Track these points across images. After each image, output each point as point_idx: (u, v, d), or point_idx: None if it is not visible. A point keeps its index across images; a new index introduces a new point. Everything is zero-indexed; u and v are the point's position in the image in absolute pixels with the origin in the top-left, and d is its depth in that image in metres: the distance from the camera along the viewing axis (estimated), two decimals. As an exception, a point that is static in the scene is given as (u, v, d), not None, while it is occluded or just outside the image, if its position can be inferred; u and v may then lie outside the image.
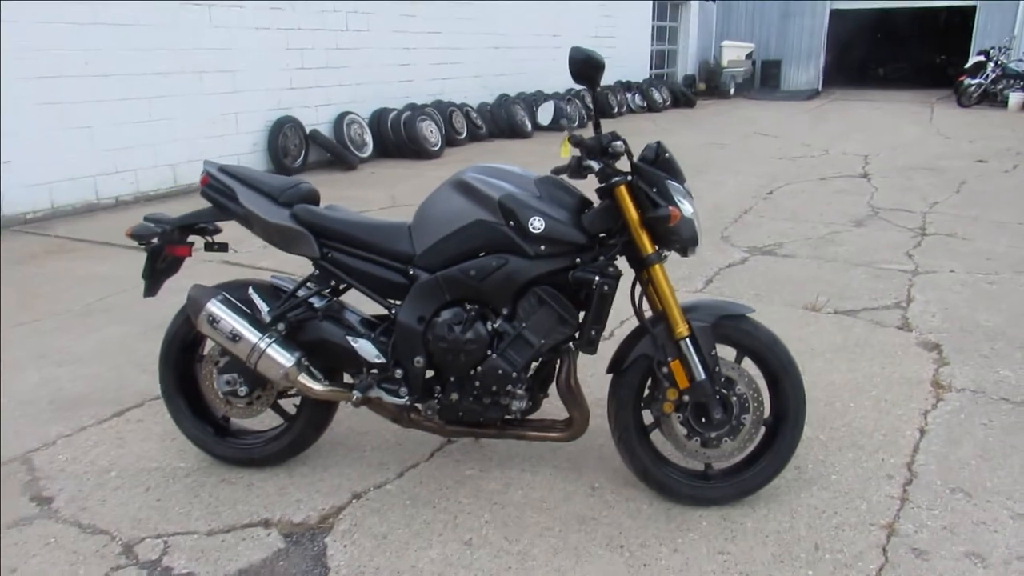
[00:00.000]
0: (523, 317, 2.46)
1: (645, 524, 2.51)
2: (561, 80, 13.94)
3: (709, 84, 20.23)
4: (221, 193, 2.64)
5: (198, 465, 2.85)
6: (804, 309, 4.42)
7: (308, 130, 9.18)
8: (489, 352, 2.48)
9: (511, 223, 2.41)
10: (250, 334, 2.54)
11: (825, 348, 3.87)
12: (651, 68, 18.82)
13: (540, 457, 2.88)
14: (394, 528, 2.49)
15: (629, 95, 16.17)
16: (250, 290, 2.63)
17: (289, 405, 2.80)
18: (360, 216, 2.67)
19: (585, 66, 2.27)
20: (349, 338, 2.56)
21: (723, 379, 2.50)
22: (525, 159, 9.44)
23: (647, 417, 2.60)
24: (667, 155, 2.46)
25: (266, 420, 2.87)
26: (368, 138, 9.96)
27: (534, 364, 2.58)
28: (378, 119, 10.09)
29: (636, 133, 12.73)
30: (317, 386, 2.57)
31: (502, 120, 12.01)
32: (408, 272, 2.54)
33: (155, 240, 2.68)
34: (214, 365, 2.72)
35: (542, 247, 2.41)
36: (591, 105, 2.68)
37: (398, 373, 2.56)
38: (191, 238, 2.79)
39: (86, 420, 3.21)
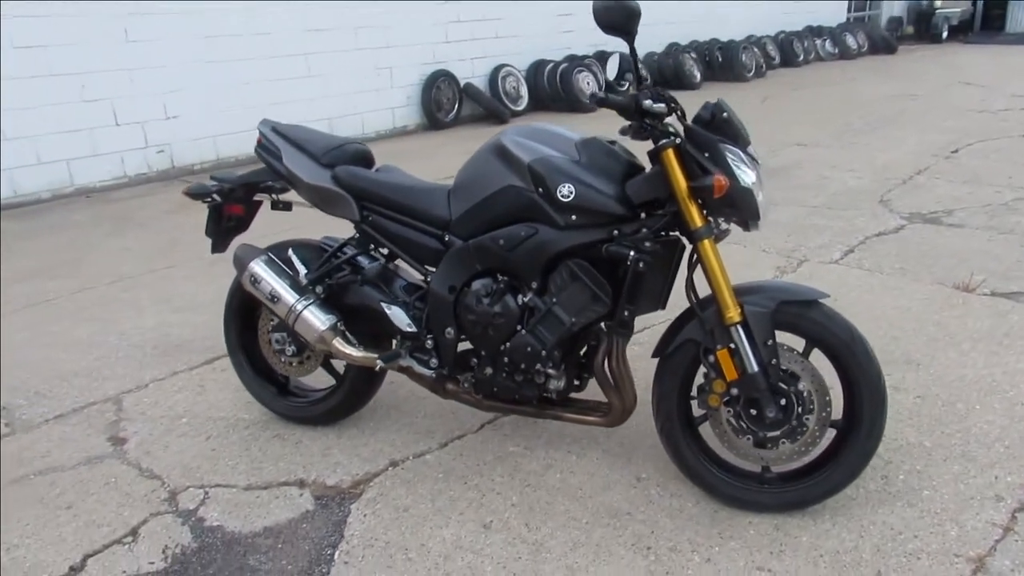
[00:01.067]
0: (554, 292, 2.26)
1: (683, 526, 2.26)
2: (744, 27, 13.05)
3: (918, 27, 18.15)
4: (270, 153, 2.63)
5: (259, 419, 2.92)
6: (954, 288, 3.83)
7: (462, 83, 9.21)
8: (519, 327, 2.31)
9: (540, 190, 2.21)
10: (288, 295, 2.53)
11: (966, 336, 3.32)
12: (849, 11, 17.16)
13: (593, 439, 2.69)
14: (418, 501, 2.42)
15: (818, 41, 14.84)
16: (289, 251, 2.62)
17: (341, 365, 2.78)
18: (405, 179, 2.56)
19: (614, 14, 2.00)
20: (384, 304, 2.49)
21: (783, 373, 2.18)
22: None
23: (696, 408, 2.33)
24: (725, 115, 2.14)
25: (324, 379, 2.88)
26: (524, 91, 9.84)
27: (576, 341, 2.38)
28: (535, 71, 9.93)
29: (818, 84, 11.70)
30: (351, 351, 2.53)
31: (669, 71, 11.44)
32: (444, 238, 2.41)
33: (213, 198, 2.72)
34: (268, 323, 2.76)
35: (573, 217, 2.19)
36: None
37: (429, 343, 2.46)
38: (259, 196, 2.81)
39: (179, 366, 3.40)
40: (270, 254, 2.62)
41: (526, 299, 2.30)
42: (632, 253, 2.14)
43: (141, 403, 3.10)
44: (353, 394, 2.73)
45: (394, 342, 2.54)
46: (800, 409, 2.19)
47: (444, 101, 9.09)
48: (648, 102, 2.09)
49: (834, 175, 6.21)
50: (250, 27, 7.31)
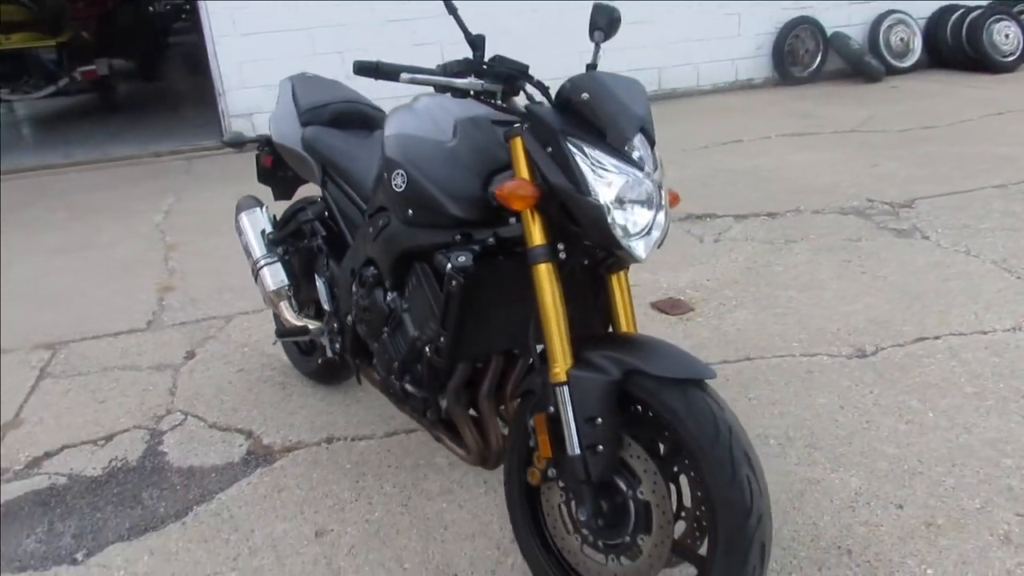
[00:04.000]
0: (406, 297, 1.91)
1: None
2: None
3: None
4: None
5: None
6: None
7: (828, 33, 7.96)
8: (384, 328, 2.01)
9: (384, 173, 1.86)
10: (256, 251, 2.54)
11: None
12: None
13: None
14: (299, 485, 2.31)
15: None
16: (259, 209, 2.60)
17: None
18: (363, 141, 2.35)
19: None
20: (317, 276, 2.36)
21: (622, 467, 1.57)
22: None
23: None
24: (584, 97, 1.55)
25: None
26: (916, 44, 8.14)
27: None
28: (936, 20, 8.13)
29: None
30: (290, 316, 2.46)
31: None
32: (364, 215, 2.18)
33: (245, 148, 2.82)
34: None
35: (409, 211, 1.80)
36: None
37: (335, 324, 2.28)
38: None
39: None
40: (262, 208, 2.65)
41: (389, 298, 1.99)
42: (448, 267, 1.70)
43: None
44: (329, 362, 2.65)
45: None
46: (633, 524, 1.56)
47: (802, 53, 7.97)
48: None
49: None
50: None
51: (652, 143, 1.62)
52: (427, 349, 1.84)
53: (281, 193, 2.92)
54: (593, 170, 1.53)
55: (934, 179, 4.64)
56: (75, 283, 4.06)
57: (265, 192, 2.80)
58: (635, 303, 1.78)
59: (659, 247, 1.68)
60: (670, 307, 3.31)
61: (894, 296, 3.21)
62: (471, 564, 1.96)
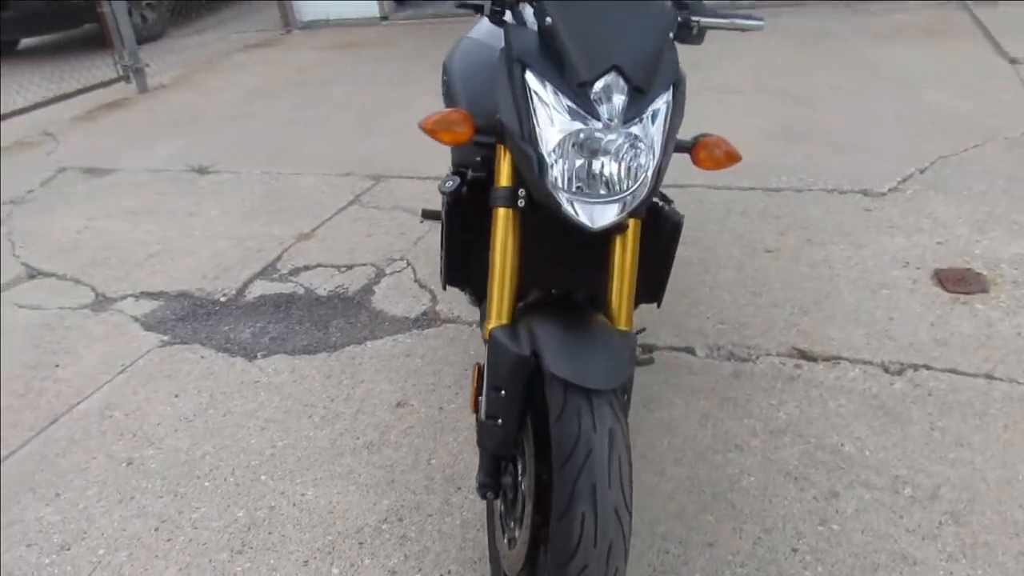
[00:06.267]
0: None
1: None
2: None
3: None
4: None
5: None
6: None
7: None
8: None
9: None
10: None
11: None
12: None
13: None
14: (421, 356, 2.49)
15: None
16: None
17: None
18: None
19: None
20: None
21: (516, 449, 1.44)
22: None
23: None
24: (548, 21, 1.31)
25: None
26: None
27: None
28: None
29: None
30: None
31: None
32: None
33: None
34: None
35: None
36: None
37: None
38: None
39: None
40: None
41: None
42: (440, 188, 1.61)
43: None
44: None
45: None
46: (518, 512, 1.43)
47: None
48: None
49: None
50: None
51: (640, 88, 1.28)
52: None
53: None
54: (547, 111, 1.29)
55: None
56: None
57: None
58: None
59: (639, 218, 1.38)
60: (955, 280, 2.56)
61: None
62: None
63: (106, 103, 5.91)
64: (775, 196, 3.28)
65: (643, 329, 2.34)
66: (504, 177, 1.44)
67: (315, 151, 4.40)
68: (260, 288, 3.03)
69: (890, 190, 3.22)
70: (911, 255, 2.73)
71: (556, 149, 1.28)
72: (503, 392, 1.39)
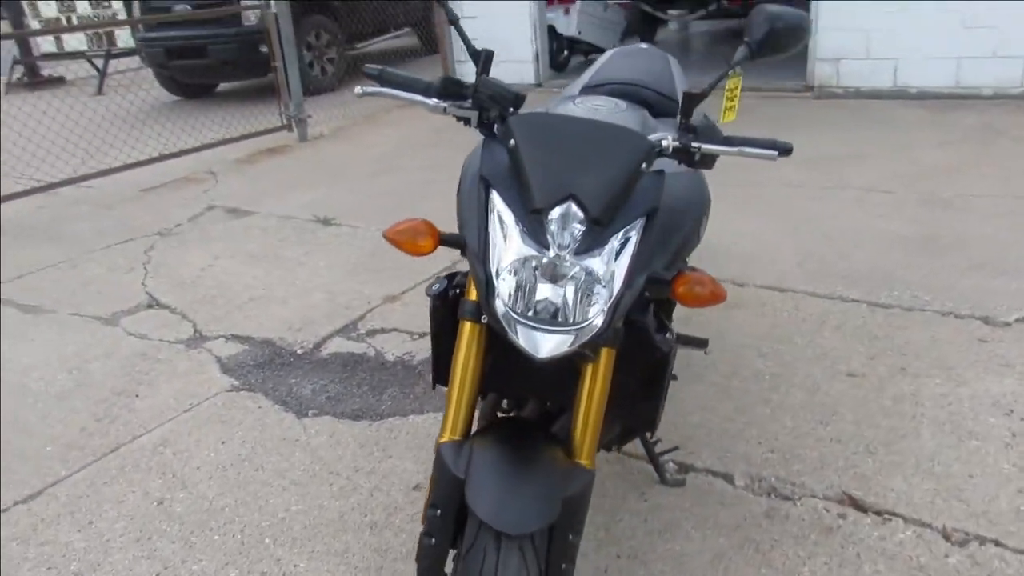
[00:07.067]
0: None
1: None
2: None
3: None
4: None
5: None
6: None
7: None
8: None
9: None
10: None
11: None
12: None
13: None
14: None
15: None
16: None
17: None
18: None
19: None
20: None
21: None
22: None
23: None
24: (511, 144, 1.28)
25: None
26: None
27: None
28: None
29: None
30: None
31: None
32: None
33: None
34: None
35: None
36: None
37: None
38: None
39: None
40: None
41: None
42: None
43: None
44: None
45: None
46: None
47: None
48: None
49: None
50: None
51: (598, 220, 1.22)
52: None
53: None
54: (502, 232, 1.27)
55: None
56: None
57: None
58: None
59: (612, 347, 1.32)
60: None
61: None
62: None
63: (267, 148, 6.42)
64: (879, 312, 3.01)
65: (676, 447, 2.21)
66: (473, 291, 1.41)
67: (427, 211, 4.52)
68: (336, 345, 3.14)
69: (1016, 320, 2.87)
70: (1019, 403, 2.40)
71: (505, 272, 1.24)
72: (439, 511, 1.34)
